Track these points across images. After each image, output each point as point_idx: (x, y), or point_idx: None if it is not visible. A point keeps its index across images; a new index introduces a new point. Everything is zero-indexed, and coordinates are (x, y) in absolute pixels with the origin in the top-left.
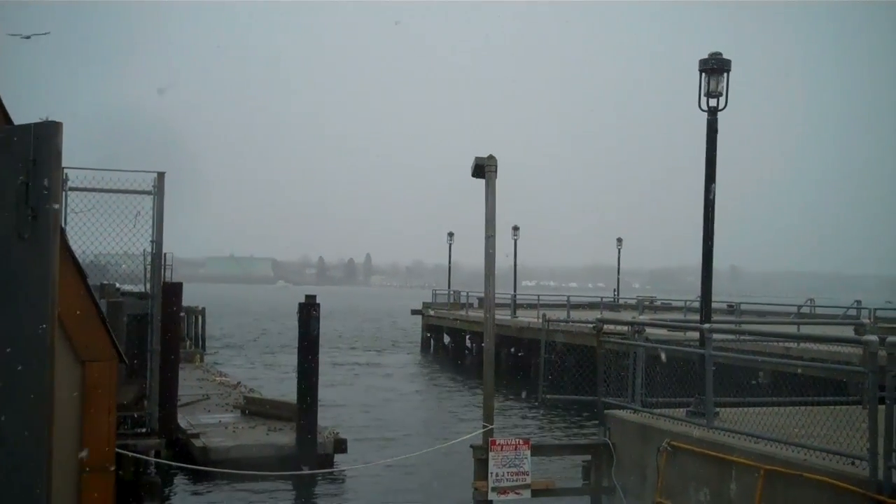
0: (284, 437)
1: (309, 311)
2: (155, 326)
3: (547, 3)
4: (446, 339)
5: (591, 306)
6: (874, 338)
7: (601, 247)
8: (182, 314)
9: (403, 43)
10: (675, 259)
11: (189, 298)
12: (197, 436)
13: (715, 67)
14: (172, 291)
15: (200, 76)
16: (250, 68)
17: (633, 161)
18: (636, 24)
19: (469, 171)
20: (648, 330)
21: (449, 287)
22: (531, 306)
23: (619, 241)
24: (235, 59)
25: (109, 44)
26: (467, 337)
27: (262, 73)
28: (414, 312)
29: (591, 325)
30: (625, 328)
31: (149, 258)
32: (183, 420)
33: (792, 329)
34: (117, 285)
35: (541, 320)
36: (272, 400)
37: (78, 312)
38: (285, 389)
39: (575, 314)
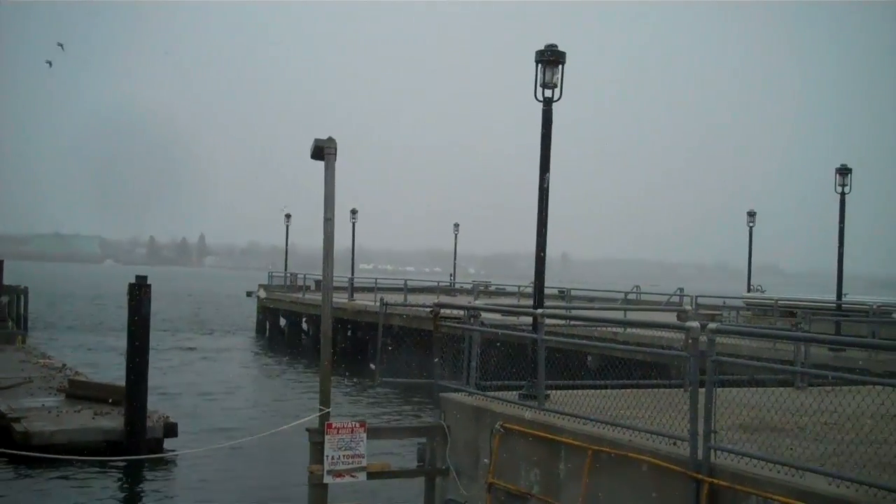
0: (112, 421)
1: (139, 292)
2: None
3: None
4: (282, 321)
5: (429, 290)
6: (695, 324)
7: (438, 231)
8: (3, 295)
9: (243, 18)
10: (510, 245)
11: (11, 277)
12: (18, 420)
13: (551, 59)
14: None
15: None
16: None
17: (469, 146)
18: (480, 14)
19: (308, 153)
20: (483, 314)
21: (286, 269)
22: (369, 289)
23: (456, 226)
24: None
25: None
26: (304, 320)
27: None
28: (249, 294)
29: (428, 310)
30: (461, 312)
31: None
32: (3, 404)
33: (619, 315)
34: None
35: (378, 304)
36: (99, 383)
37: None
38: (114, 373)
39: (412, 298)
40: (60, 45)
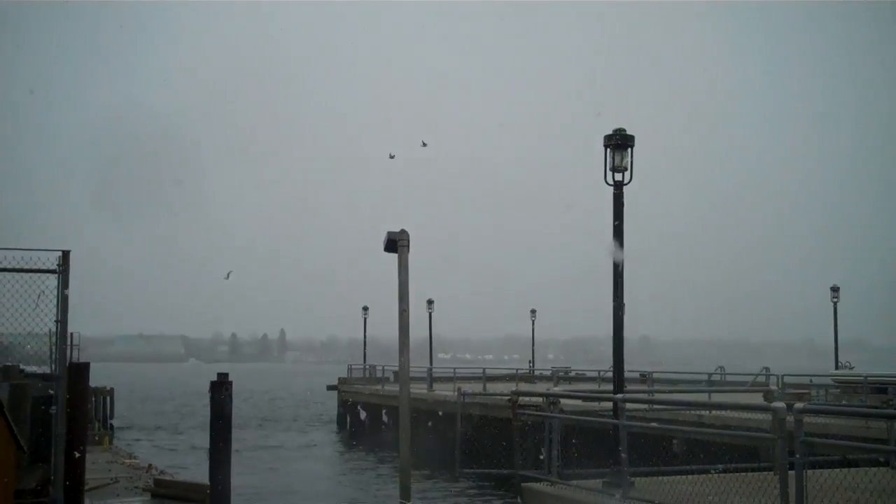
0: None
1: (221, 390)
2: (60, 408)
3: (442, 73)
4: (362, 414)
5: (507, 378)
6: (781, 405)
7: (515, 318)
8: (90, 395)
9: (304, 107)
10: (589, 329)
11: (97, 379)
12: None
13: (619, 143)
14: (79, 372)
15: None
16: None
17: (542, 230)
18: (548, 95)
19: (381, 246)
20: (563, 401)
21: (364, 361)
22: (448, 379)
23: (533, 312)
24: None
25: None
26: (384, 411)
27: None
28: (329, 388)
29: (506, 398)
30: (540, 399)
31: (54, 338)
32: None
33: (703, 397)
34: (21, 367)
35: (457, 394)
36: (183, 482)
37: None
38: (198, 471)
39: (491, 386)
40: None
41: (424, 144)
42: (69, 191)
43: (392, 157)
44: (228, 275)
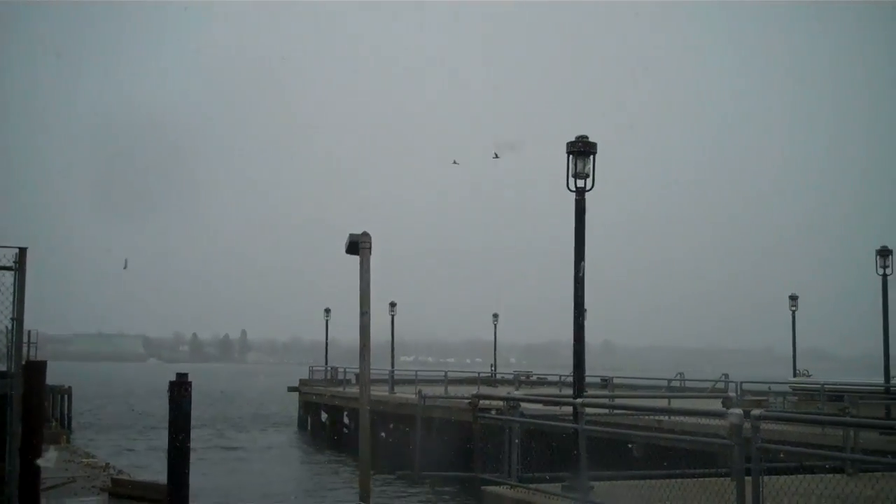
0: None
1: (180, 390)
2: (14, 407)
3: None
4: (324, 415)
5: (469, 381)
6: (739, 411)
7: (478, 322)
8: (47, 394)
9: (275, 103)
10: (551, 334)
11: (55, 377)
12: None
13: (582, 150)
14: (35, 370)
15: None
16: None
17: (505, 235)
18: (515, 102)
19: (343, 248)
20: (524, 405)
21: (326, 363)
22: (410, 382)
23: (496, 316)
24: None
25: None
26: (345, 413)
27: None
28: (291, 390)
29: (467, 401)
30: (501, 403)
31: (9, 336)
32: None
33: (663, 403)
34: None
35: (417, 396)
36: (141, 482)
37: None
38: (156, 472)
39: (452, 389)
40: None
41: (496, 156)
42: (31, 186)
43: (455, 163)
44: (126, 264)
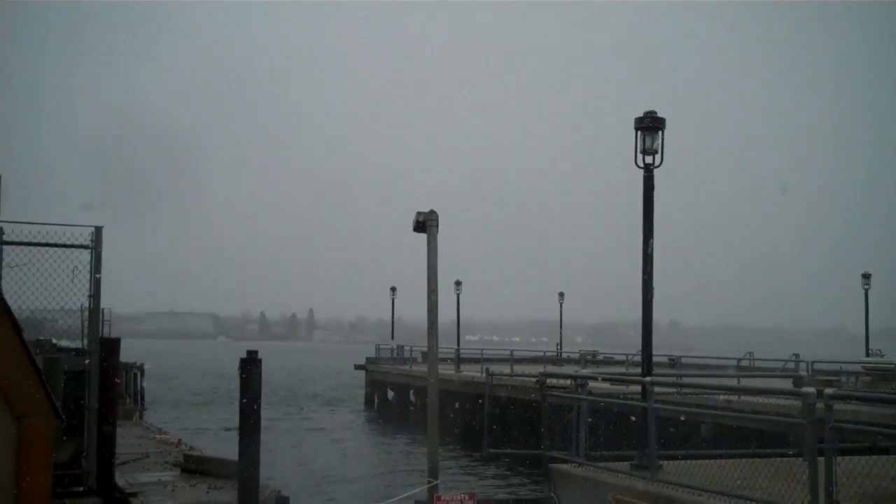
0: (225, 495)
1: (251, 367)
2: (92, 383)
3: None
4: (390, 394)
5: (535, 360)
6: (812, 390)
7: (544, 302)
8: (121, 371)
9: (342, 93)
10: (617, 313)
11: (128, 354)
12: (135, 494)
13: (650, 125)
14: (110, 347)
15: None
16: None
17: (572, 213)
18: (582, 71)
19: (410, 226)
20: (591, 383)
21: (392, 342)
22: (475, 361)
23: (561, 295)
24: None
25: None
26: (411, 392)
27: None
28: (357, 368)
29: (534, 379)
30: (568, 382)
31: (86, 314)
32: (121, 479)
33: (732, 382)
34: (54, 341)
35: (484, 374)
36: (213, 458)
37: (14, 368)
38: (227, 447)
39: (518, 368)
40: None
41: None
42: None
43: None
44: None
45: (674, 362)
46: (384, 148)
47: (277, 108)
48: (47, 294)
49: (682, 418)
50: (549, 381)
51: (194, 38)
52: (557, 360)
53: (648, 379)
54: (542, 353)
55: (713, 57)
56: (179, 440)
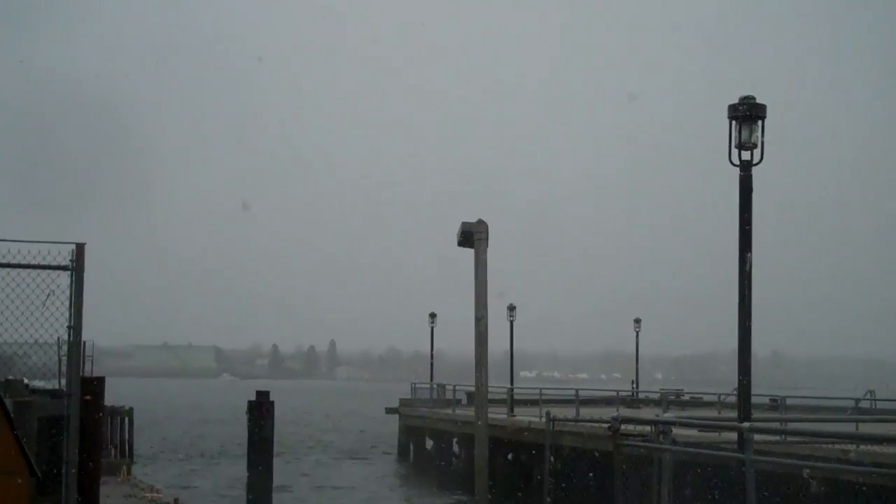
0: None
1: (261, 411)
2: (71, 431)
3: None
4: (429, 443)
5: (606, 402)
6: None
7: (616, 330)
8: (106, 416)
9: (373, 99)
10: (706, 343)
11: (114, 396)
12: None
13: (748, 114)
14: (93, 388)
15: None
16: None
17: (650, 224)
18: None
19: (454, 240)
20: (676, 430)
21: (431, 380)
22: (532, 402)
23: (637, 322)
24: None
25: None
26: (455, 441)
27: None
28: (389, 411)
29: (605, 425)
30: (647, 428)
31: (64, 348)
32: None
33: (850, 428)
34: (25, 381)
35: (544, 419)
36: None
37: None
38: None
39: (586, 411)
40: None
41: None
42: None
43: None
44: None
45: (777, 403)
46: (427, 157)
47: (292, 116)
48: (17, 324)
49: (789, 472)
50: (623, 427)
51: None
52: (633, 401)
53: (746, 425)
54: (614, 393)
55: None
56: (176, 499)
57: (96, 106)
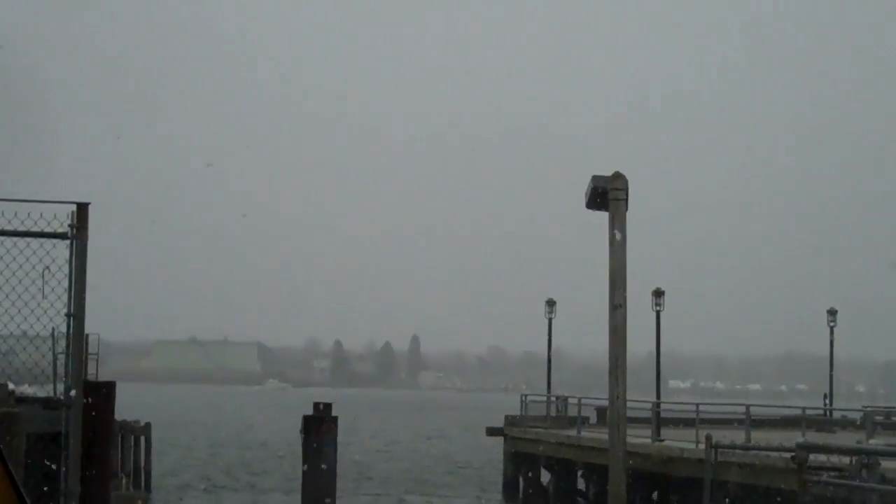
0: None
1: (320, 429)
2: (72, 453)
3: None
4: (545, 475)
5: (787, 423)
6: None
7: (800, 327)
8: (116, 434)
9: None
10: None
11: (126, 407)
12: None
13: None
14: (99, 396)
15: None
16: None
17: (840, 193)
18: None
19: (582, 203)
20: (885, 462)
21: (548, 390)
22: (686, 422)
23: (832, 314)
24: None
25: None
26: (579, 472)
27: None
28: (491, 432)
29: (788, 455)
30: (845, 460)
31: (61, 342)
32: None
33: None
34: (11, 387)
35: (702, 445)
36: None
37: None
38: None
39: (759, 436)
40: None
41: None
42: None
43: None
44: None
45: None
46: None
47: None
48: (1, 311)
49: None
50: (812, 458)
51: None
52: (825, 422)
53: None
54: (798, 411)
55: None
56: None
57: None
